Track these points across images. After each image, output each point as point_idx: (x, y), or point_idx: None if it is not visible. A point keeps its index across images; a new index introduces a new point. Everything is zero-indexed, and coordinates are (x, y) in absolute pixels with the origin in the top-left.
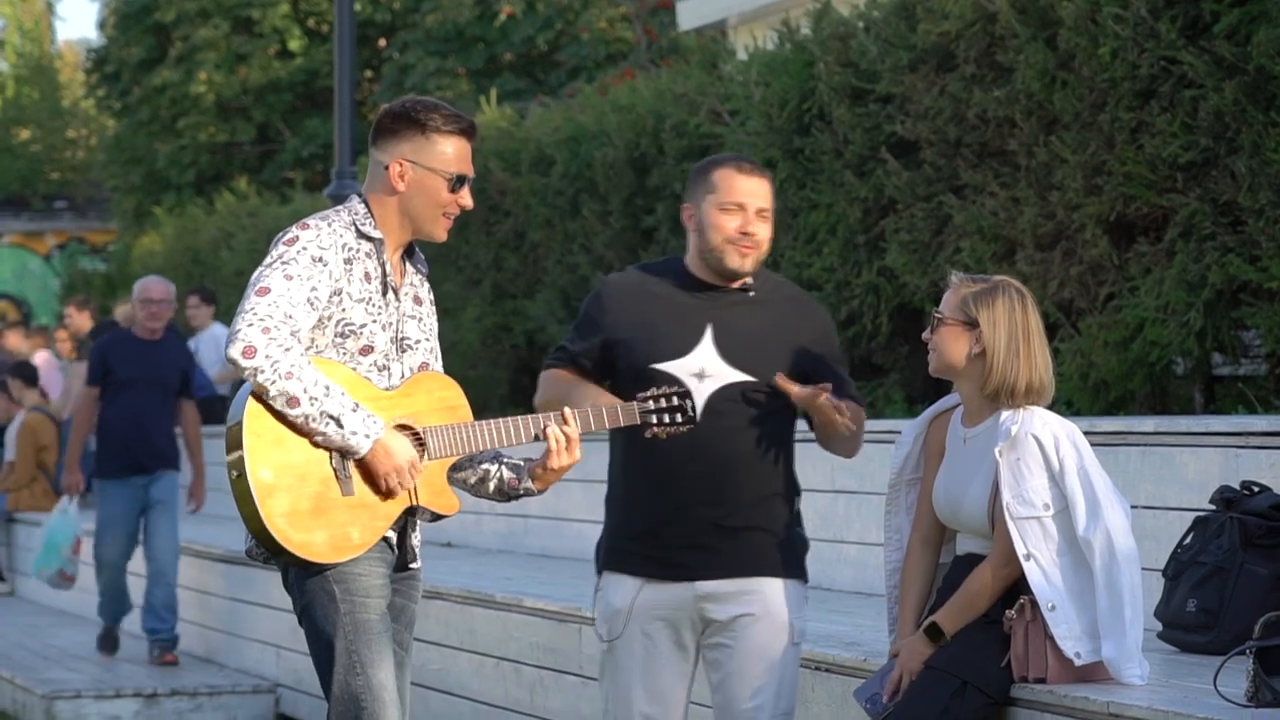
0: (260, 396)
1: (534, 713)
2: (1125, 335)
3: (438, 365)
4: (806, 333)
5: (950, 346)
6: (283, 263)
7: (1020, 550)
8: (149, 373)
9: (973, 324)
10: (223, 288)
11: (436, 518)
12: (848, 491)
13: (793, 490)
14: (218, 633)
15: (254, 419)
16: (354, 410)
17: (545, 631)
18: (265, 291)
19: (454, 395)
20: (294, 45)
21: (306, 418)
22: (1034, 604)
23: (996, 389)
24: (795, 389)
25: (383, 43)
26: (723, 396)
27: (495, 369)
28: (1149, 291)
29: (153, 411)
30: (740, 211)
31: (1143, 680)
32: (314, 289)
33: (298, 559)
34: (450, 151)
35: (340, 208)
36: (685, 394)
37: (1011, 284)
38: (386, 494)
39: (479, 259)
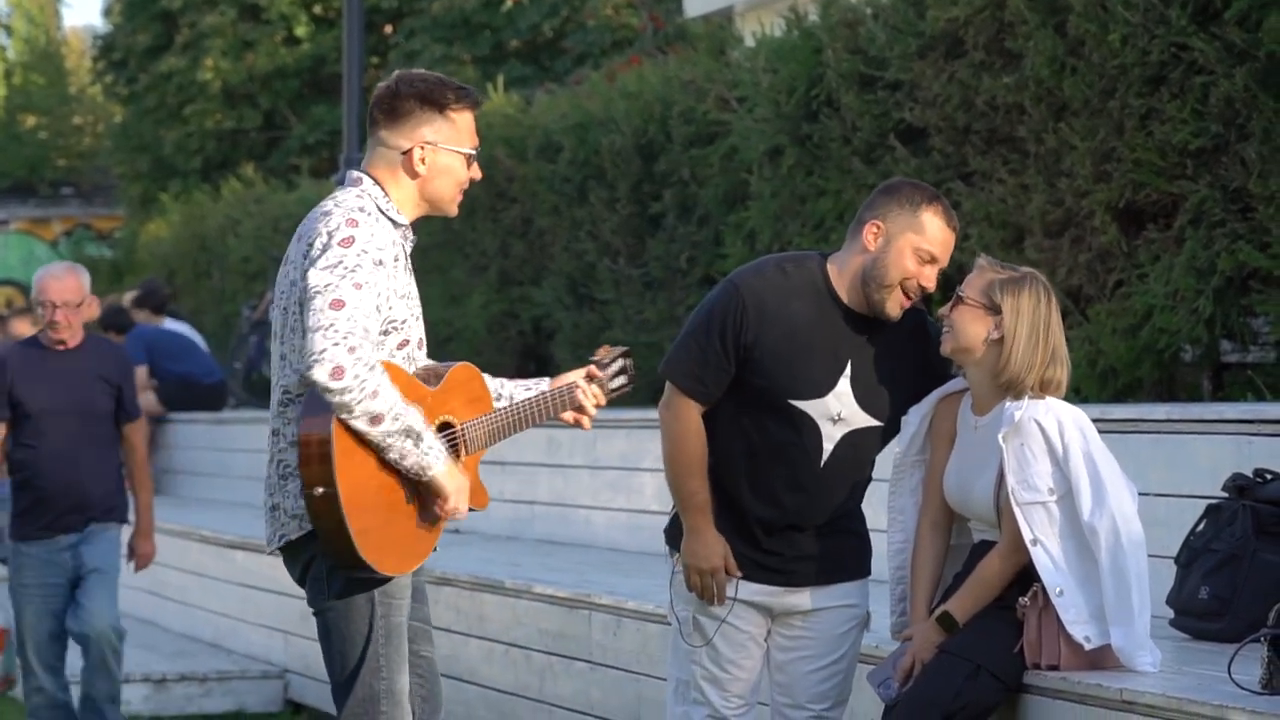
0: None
1: (543, 699)
2: (1134, 322)
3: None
4: (926, 355)
5: (968, 328)
6: (349, 270)
7: (1027, 536)
8: (67, 396)
9: (995, 309)
10: (229, 274)
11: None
12: None
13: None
14: (226, 618)
15: (340, 436)
16: (429, 428)
17: (554, 618)
18: (340, 305)
19: (478, 386)
20: (301, 32)
21: (385, 434)
22: (1046, 591)
23: (1010, 380)
24: None
25: (389, 29)
26: (852, 439)
27: (501, 355)
28: (1158, 278)
29: (78, 447)
30: (931, 265)
31: (1155, 667)
32: (379, 294)
33: (375, 573)
34: (466, 127)
35: (359, 193)
36: (628, 353)
37: (1039, 278)
38: (439, 518)
39: (485, 245)
